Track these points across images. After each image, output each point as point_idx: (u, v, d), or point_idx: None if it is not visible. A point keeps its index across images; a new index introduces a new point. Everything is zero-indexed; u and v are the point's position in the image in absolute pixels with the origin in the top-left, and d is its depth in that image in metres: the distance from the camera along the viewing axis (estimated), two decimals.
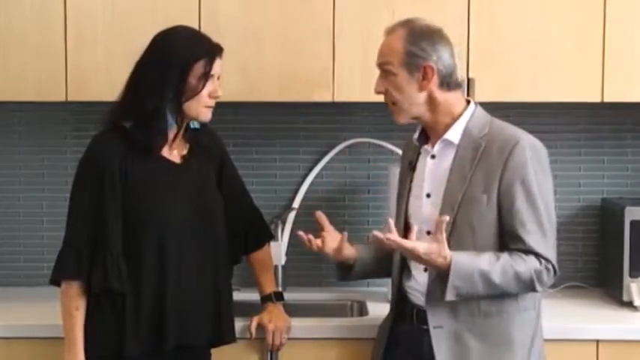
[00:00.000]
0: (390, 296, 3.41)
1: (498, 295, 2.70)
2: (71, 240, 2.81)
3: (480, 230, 2.71)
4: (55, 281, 2.83)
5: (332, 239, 2.94)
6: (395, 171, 3.48)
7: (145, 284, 2.80)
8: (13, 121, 3.89)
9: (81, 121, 3.78)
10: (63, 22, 3.43)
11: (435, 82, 2.73)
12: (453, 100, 2.78)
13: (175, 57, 2.78)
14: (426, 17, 2.81)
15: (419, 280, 2.81)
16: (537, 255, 2.68)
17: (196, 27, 3.32)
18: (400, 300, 2.90)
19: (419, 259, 2.64)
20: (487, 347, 2.72)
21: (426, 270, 2.77)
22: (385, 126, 3.81)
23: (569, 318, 3.21)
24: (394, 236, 2.59)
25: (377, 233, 2.60)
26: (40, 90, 3.45)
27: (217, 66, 2.84)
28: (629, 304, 3.43)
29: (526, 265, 2.67)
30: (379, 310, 3.38)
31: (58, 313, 2.84)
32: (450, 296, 2.65)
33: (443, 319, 2.73)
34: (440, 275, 2.67)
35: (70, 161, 2.87)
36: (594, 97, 3.42)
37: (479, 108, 2.82)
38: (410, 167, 2.89)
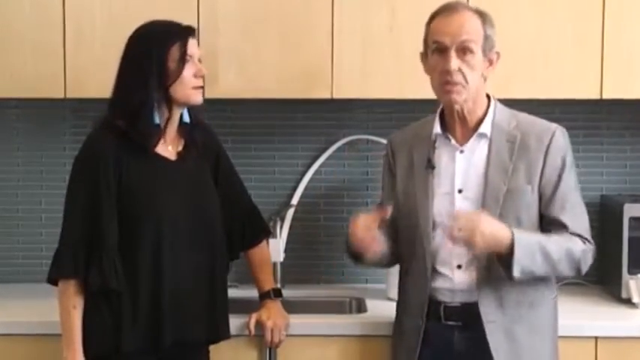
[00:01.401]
0: (389, 293, 3.42)
1: (533, 282, 2.75)
2: (67, 239, 2.81)
3: (526, 221, 2.76)
4: (53, 280, 2.84)
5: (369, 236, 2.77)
6: None
7: (141, 281, 2.80)
8: (12, 118, 3.89)
9: (79, 117, 3.78)
10: (61, 18, 3.43)
11: (490, 70, 2.80)
12: (484, 91, 2.84)
13: (150, 46, 2.81)
14: (426, 14, 2.81)
15: (456, 279, 2.79)
16: (581, 237, 2.77)
17: (195, 24, 3.31)
18: (429, 300, 2.85)
19: (484, 236, 2.60)
20: (534, 339, 2.79)
21: (460, 267, 2.78)
22: (384, 123, 3.81)
23: (567, 315, 3.21)
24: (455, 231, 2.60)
25: (444, 238, 2.68)
26: (39, 87, 3.45)
27: (193, 46, 2.86)
28: (628, 301, 3.43)
29: (575, 244, 2.75)
30: (378, 307, 3.39)
31: (56, 310, 2.84)
32: (516, 272, 2.66)
33: (494, 313, 2.76)
34: (500, 256, 2.66)
35: (68, 158, 2.87)
36: (593, 94, 3.42)
37: (498, 101, 2.87)
38: (429, 165, 2.84)
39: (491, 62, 2.78)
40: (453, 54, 2.71)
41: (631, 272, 3.45)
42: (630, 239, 3.47)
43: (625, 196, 3.71)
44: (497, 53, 2.79)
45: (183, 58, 2.82)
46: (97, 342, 2.81)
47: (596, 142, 3.85)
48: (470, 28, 2.73)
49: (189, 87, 2.84)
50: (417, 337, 2.84)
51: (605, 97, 3.42)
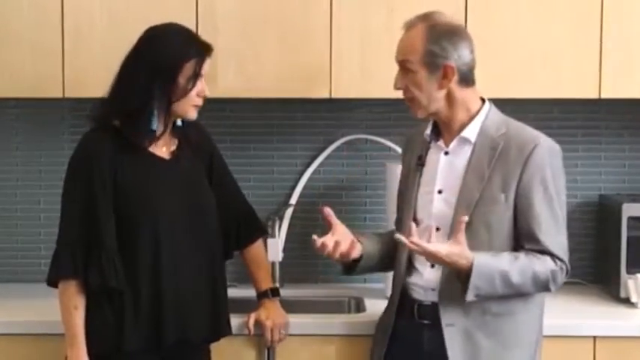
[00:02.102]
0: (388, 292, 3.42)
1: (511, 295, 2.71)
2: (65, 239, 2.81)
3: (496, 230, 2.72)
4: (52, 282, 2.84)
5: (343, 241, 2.80)
6: (392, 167, 3.48)
7: (141, 281, 2.80)
8: (11, 118, 3.89)
9: (78, 117, 3.77)
10: (60, 18, 3.43)
11: (455, 80, 2.73)
12: (470, 96, 2.79)
13: (165, 57, 2.78)
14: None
15: (425, 277, 2.81)
16: (552, 255, 2.70)
17: (194, 23, 3.33)
18: (401, 296, 2.89)
19: (441, 261, 2.63)
20: (497, 346, 2.73)
21: (433, 266, 2.78)
22: (383, 122, 3.82)
23: (566, 314, 3.21)
24: (417, 239, 2.58)
25: (400, 237, 2.59)
26: (38, 86, 3.45)
27: (206, 66, 2.85)
28: (627, 301, 3.43)
29: (543, 266, 2.69)
30: (376, 306, 3.38)
31: (56, 310, 2.83)
32: (470, 297, 2.65)
33: (455, 316, 2.74)
34: (460, 275, 2.66)
35: (67, 157, 2.86)
36: (591, 94, 3.42)
37: (493, 107, 2.83)
38: (419, 162, 2.87)
39: (445, 75, 2.72)
40: (397, 73, 2.77)
41: (629, 272, 3.44)
42: (629, 239, 3.47)
43: (623, 195, 3.71)
44: (450, 67, 2.70)
45: (195, 77, 2.81)
46: (99, 341, 2.81)
47: (594, 142, 3.84)
48: (406, 47, 2.75)
49: (190, 104, 2.84)
50: (387, 333, 2.88)
51: (603, 96, 3.42)
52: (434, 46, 2.70)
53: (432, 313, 2.78)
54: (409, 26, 2.77)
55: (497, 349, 2.74)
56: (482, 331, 2.73)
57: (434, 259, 2.65)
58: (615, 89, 3.41)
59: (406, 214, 2.86)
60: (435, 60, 2.71)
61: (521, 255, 2.70)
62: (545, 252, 2.70)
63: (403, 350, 2.87)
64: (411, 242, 2.57)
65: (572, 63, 3.40)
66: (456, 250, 2.61)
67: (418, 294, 2.83)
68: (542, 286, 2.72)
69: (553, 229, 2.71)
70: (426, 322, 2.80)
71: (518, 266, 2.67)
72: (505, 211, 2.71)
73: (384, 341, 2.91)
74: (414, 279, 2.84)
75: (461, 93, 2.76)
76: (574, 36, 3.40)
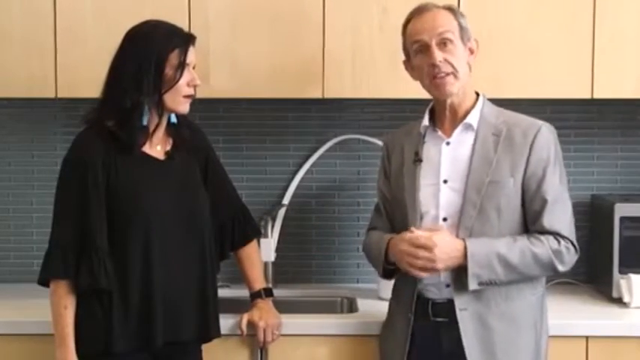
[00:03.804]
0: (381, 293, 3.42)
1: (521, 280, 2.77)
2: (57, 240, 2.81)
3: (506, 213, 2.78)
4: (44, 282, 2.83)
5: None
6: None
7: (132, 281, 2.80)
8: (3, 118, 3.88)
9: (70, 117, 3.76)
10: (52, 18, 3.42)
11: (472, 60, 2.85)
12: (471, 84, 2.87)
13: (150, 49, 2.79)
14: None
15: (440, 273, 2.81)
16: (557, 235, 2.77)
17: (186, 24, 3.33)
18: (414, 297, 2.88)
19: (446, 263, 2.73)
20: (509, 328, 2.78)
21: None
22: (375, 122, 3.81)
23: (558, 314, 3.21)
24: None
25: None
26: (30, 87, 3.45)
27: (191, 54, 2.85)
28: (619, 301, 3.43)
29: (544, 246, 2.76)
30: (369, 306, 3.39)
31: (48, 310, 2.83)
32: (472, 285, 2.72)
33: (468, 302, 2.77)
34: (461, 267, 2.73)
35: (59, 158, 2.86)
36: (584, 94, 3.42)
37: (486, 98, 2.91)
38: (417, 158, 2.88)
39: (472, 51, 2.85)
40: (434, 48, 2.78)
41: (622, 272, 3.45)
42: (621, 239, 3.47)
43: (616, 195, 3.71)
44: (476, 41, 2.86)
45: (181, 66, 2.81)
46: (88, 342, 2.80)
47: (587, 142, 3.85)
48: (443, 21, 2.81)
49: (180, 95, 2.84)
50: (406, 335, 2.87)
51: (596, 96, 3.42)
52: (462, 20, 2.83)
53: (447, 310, 2.80)
54: (425, 9, 2.84)
55: (510, 331, 2.79)
56: (495, 314, 2.78)
57: (435, 262, 2.73)
58: (608, 89, 3.42)
59: (410, 210, 2.86)
60: (466, 34, 2.83)
61: (521, 237, 2.76)
62: (549, 232, 2.76)
63: (422, 353, 2.87)
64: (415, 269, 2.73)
65: (565, 63, 3.40)
66: (448, 243, 2.72)
67: (432, 293, 2.84)
68: (548, 267, 2.78)
69: (559, 209, 2.79)
70: (440, 319, 2.82)
71: (517, 248, 2.73)
72: (514, 194, 2.78)
73: (404, 343, 2.88)
74: (426, 279, 2.83)
75: (470, 77, 2.86)
76: (567, 36, 3.40)
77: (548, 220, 2.77)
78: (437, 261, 2.71)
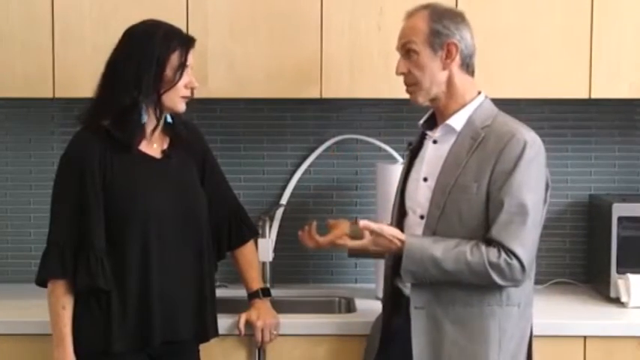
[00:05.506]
0: (379, 293, 3.42)
1: (480, 286, 2.69)
2: (54, 240, 2.81)
3: (467, 218, 2.71)
4: (41, 282, 2.83)
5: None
6: (382, 167, 3.50)
7: (129, 281, 2.80)
8: (0, 117, 3.87)
9: (68, 117, 3.75)
10: (50, 17, 3.42)
11: (457, 61, 2.77)
12: (468, 85, 2.81)
13: (150, 48, 2.79)
14: None
15: None
16: (502, 247, 2.65)
17: (184, 24, 3.33)
18: (393, 294, 2.90)
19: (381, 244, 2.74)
20: (461, 336, 2.71)
21: None
22: (373, 122, 3.82)
23: (556, 314, 3.21)
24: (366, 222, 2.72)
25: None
26: (28, 86, 3.45)
27: (191, 57, 2.85)
28: (617, 301, 3.44)
29: (481, 257, 2.65)
30: (367, 306, 3.39)
31: (46, 310, 2.83)
32: (406, 279, 2.71)
33: (425, 301, 2.74)
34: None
35: (57, 157, 2.85)
36: (581, 94, 3.42)
37: (488, 100, 2.84)
38: (411, 151, 2.91)
39: (449, 54, 2.75)
40: (400, 59, 2.80)
41: (619, 271, 3.45)
42: (619, 239, 3.47)
43: (614, 195, 3.71)
44: (455, 44, 2.74)
45: (182, 67, 2.82)
46: (86, 341, 2.80)
47: (584, 142, 3.85)
48: (409, 30, 2.79)
49: (178, 96, 2.84)
50: (380, 330, 2.91)
51: (593, 96, 3.42)
52: (437, 24, 2.75)
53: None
54: (411, 14, 2.81)
55: (461, 339, 2.71)
56: (450, 319, 2.72)
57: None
58: (605, 89, 3.42)
59: (395, 202, 2.91)
60: (438, 38, 2.75)
61: (464, 243, 2.67)
62: (495, 242, 2.65)
63: (398, 349, 2.85)
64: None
65: (563, 63, 3.41)
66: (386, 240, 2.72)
67: (408, 289, 2.81)
68: (484, 278, 2.66)
69: (515, 223, 2.65)
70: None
71: (454, 254, 2.66)
72: (476, 200, 2.70)
73: (376, 342, 2.92)
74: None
75: (460, 79, 2.78)
76: (564, 36, 3.40)
77: (497, 230, 2.65)
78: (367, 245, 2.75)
